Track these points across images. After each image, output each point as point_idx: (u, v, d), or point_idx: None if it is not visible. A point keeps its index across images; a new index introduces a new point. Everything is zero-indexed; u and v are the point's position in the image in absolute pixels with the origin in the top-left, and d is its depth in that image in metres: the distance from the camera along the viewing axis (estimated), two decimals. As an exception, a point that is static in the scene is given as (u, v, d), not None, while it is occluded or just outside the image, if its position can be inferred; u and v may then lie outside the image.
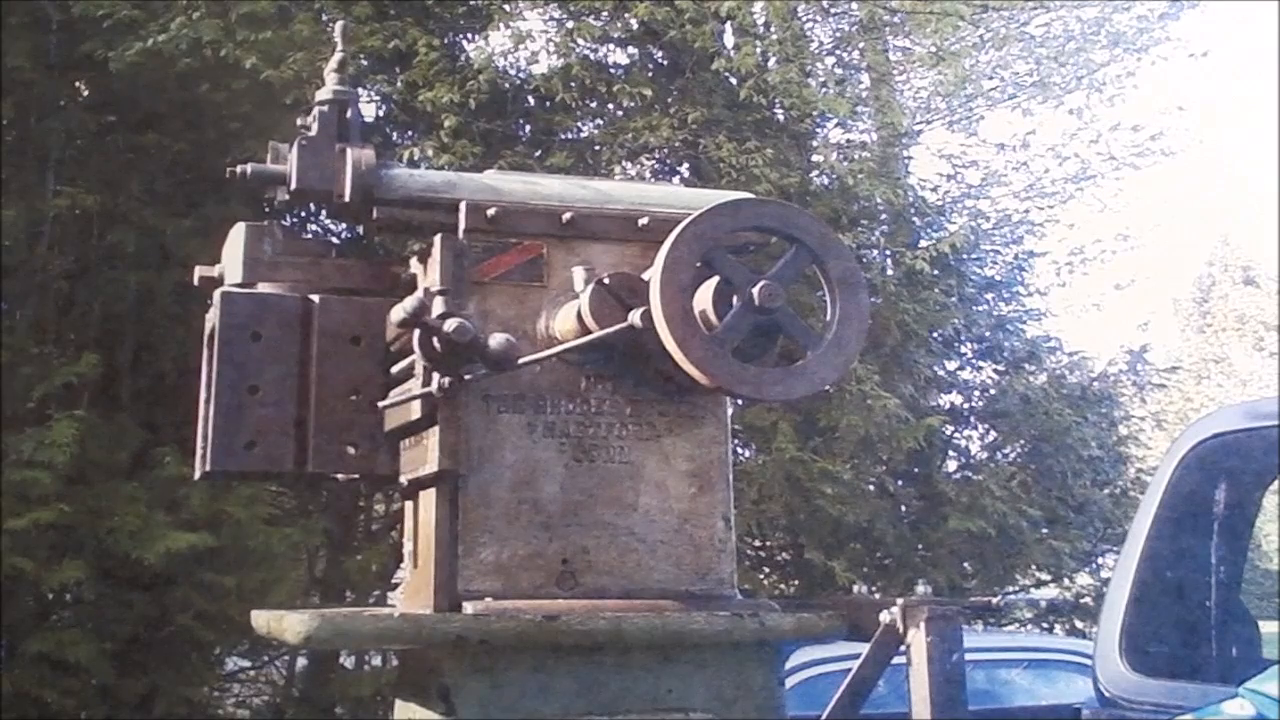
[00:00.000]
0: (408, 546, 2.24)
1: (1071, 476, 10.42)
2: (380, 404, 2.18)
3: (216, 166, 4.95)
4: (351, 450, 2.24)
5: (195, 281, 2.39)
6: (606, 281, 2.10)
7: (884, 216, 10.23)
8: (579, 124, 9.43)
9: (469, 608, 2.00)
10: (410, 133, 8.77)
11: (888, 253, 9.97)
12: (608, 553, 2.12)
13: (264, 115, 7.35)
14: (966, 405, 11.23)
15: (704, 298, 2.02)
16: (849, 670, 2.25)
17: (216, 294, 2.25)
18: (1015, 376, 10.85)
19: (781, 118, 9.83)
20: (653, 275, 2.00)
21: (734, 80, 9.31)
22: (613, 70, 9.42)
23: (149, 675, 6.92)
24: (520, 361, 2.04)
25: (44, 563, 6.32)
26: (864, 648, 2.24)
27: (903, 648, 2.18)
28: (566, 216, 2.21)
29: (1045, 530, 10.26)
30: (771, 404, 7.79)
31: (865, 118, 11.48)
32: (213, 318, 2.24)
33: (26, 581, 6.36)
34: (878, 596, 5.99)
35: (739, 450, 9.05)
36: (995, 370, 11.32)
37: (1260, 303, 30.84)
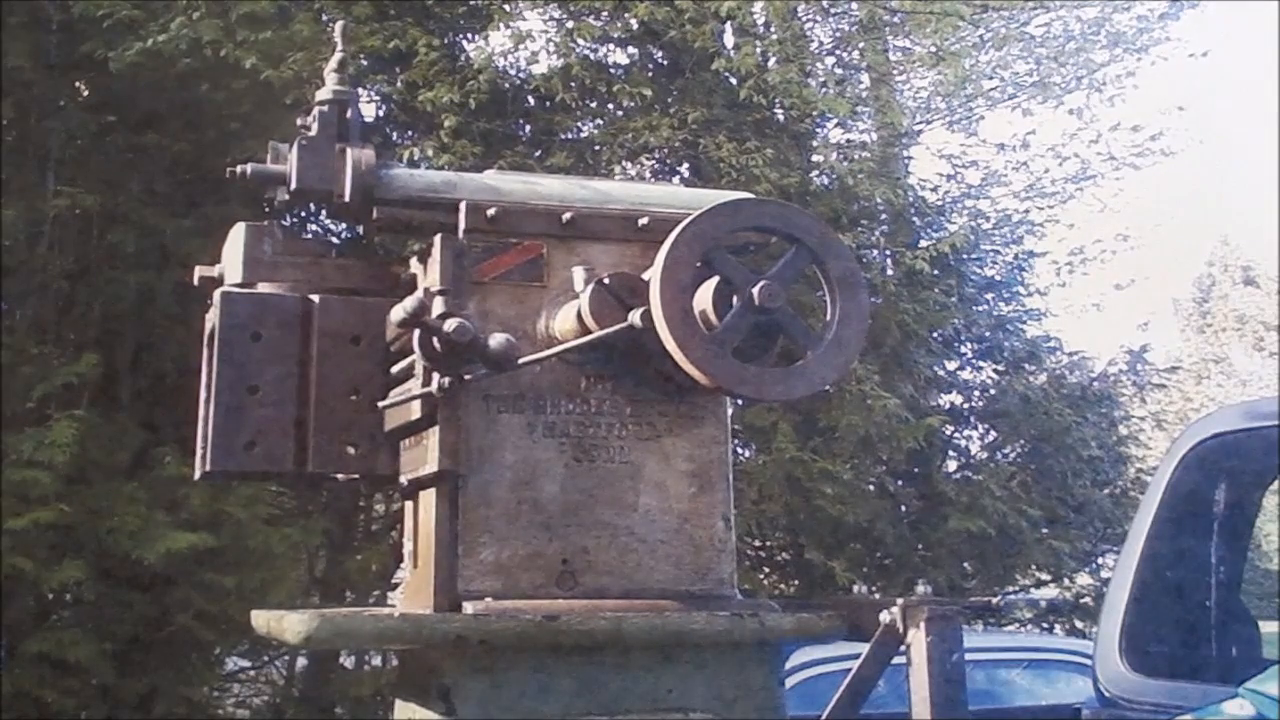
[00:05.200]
0: (408, 546, 2.24)
1: (1071, 476, 10.43)
2: (380, 404, 2.18)
3: (216, 166, 4.96)
4: (351, 450, 2.24)
5: (195, 281, 2.39)
6: (606, 281, 2.10)
7: (884, 216, 10.24)
8: (579, 124, 9.43)
9: (469, 608, 2.00)
10: (410, 133, 8.77)
11: (888, 253, 9.98)
12: (608, 553, 2.12)
13: (264, 115, 7.36)
14: (966, 405, 11.24)
15: (704, 298, 2.02)
16: (849, 670, 2.25)
17: (216, 294, 2.24)
18: (1015, 376, 10.86)
19: (781, 118, 9.83)
20: (653, 275, 1.99)
21: (734, 80, 9.31)
22: (613, 70, 9.42)
23: (149, 675, 6.92)
24: (520, 361, 2.03)
25: (44, 563, 6.32)
26: (864, 648, 2.24)
27: (903, 648, 2.17)
28: (566, 216, 2.21)
29: (1045, 530, 10.27)
30: (771, 404, 7.80)
31: (865, 118, 11.49)
32: (213, 318, 2.24)
33: (26, 581, 6.36)
34: (878, 596, 5.99)
35: (739, 450, 9.05)
36: (995, 370, 11.34)
37: (1260, 303, 30.81)
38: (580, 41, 9.04)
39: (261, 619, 2.16)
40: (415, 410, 2.12)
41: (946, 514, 9.55)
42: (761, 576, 10.15)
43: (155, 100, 7.43)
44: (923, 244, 9.94)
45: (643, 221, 2.24)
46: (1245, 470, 3.51)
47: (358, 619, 2.04)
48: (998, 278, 11.49)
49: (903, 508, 10.06)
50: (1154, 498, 3.39)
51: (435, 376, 2.02)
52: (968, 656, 2.18)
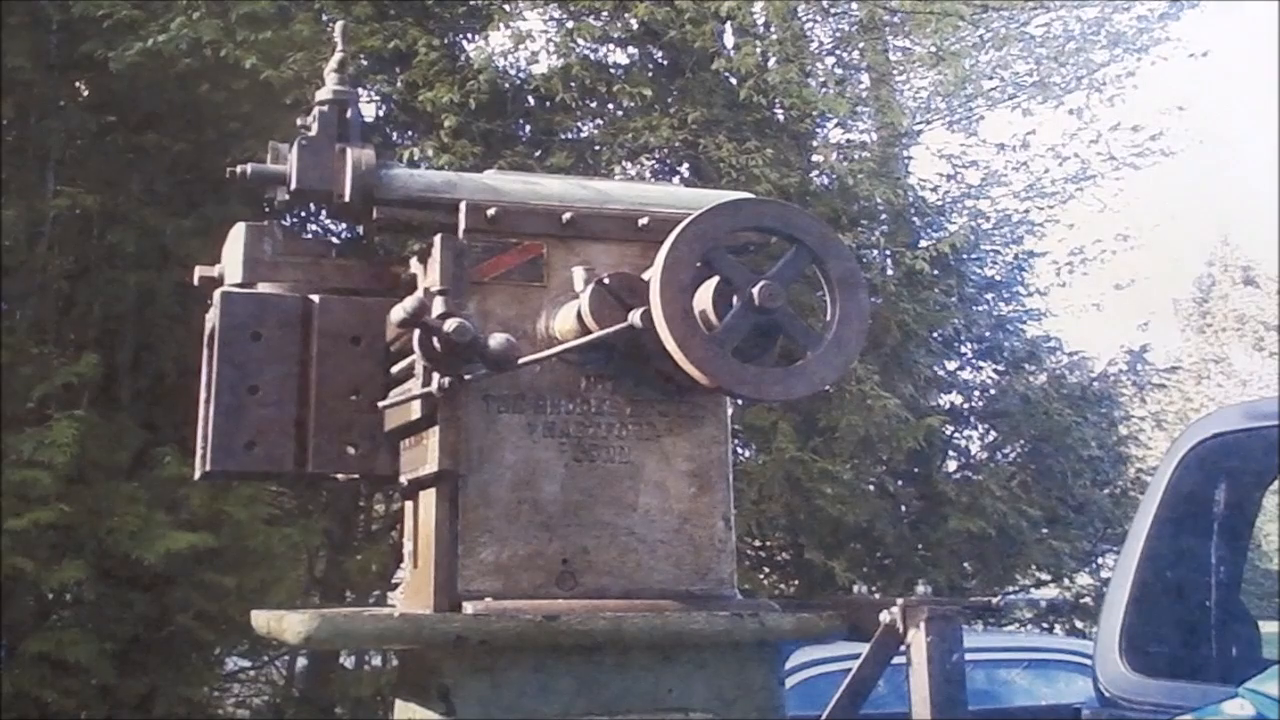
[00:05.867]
0: (408, 546, 2.24)
1: (1071, 476, 10.43)
2: (380, 404, 2.18)
3: (216, 166, 4.96)
4: (351, 450, 2.24)
5: (195, 281, 2.39)
6: (606, 281, 2.10)
7: (884, 216, 10.24)
8: (579, 124, 9.44)
9: (469, 608, 2.00)
10: (410, 133, 8.77)
11: (888, 253, 9.97)
12: (608, 553, 2.12)
13: (264, 115, 7.36)
14: (966, 405, 11.24)
15: (704, 298, 2.02)
16: (849, 670, 2.25)
17: (216, 294, 2.24)
18: (1015, 376, 10.86)
19: (781, 118, 9.83)
20: (653, 275, 2.00)
21: (734, 80, 9.32)
22: (613, 70, 9.43)
23: (149, 675, 6.92)
24: (520, 361, 2.03)
25: (44, 563, 6.32)
26: (864, 648, 2.24)
27: (903, 648, 2.17)
28: (566, 216, 2.21)
29: (1045, 530, 10.27)
30: (771, 404, 7.80)
31: (865, 118, 11.49)
32: (213, 318, 2.24)
33: (26, 581, 6.36)
34: (878, 596, 5.99)
35: (739, 450, 9.05)
36: (995, 370, 11.33)
37: (1260, 303, 30.77)
38: (580, 41, 9.04)
39: (261, 619, 2.16)
40: (415, 410, 2.12)
41: (946, 514, 9.55)
42: (761, 576, 10.15)
43: (155, 100, 7.44)
44: (923, 244, 9.95)
45: (643, 221, 2.24)
46: (1245, 470, 3.51)
47: (358, 619, 2.04)
48: (998, 278, 11.49)
49: (903, 508, 10.06)
50: (1154, 498, 3.39)
51: (435, 376, 2.02)
52: (968, 656, 2.17)
